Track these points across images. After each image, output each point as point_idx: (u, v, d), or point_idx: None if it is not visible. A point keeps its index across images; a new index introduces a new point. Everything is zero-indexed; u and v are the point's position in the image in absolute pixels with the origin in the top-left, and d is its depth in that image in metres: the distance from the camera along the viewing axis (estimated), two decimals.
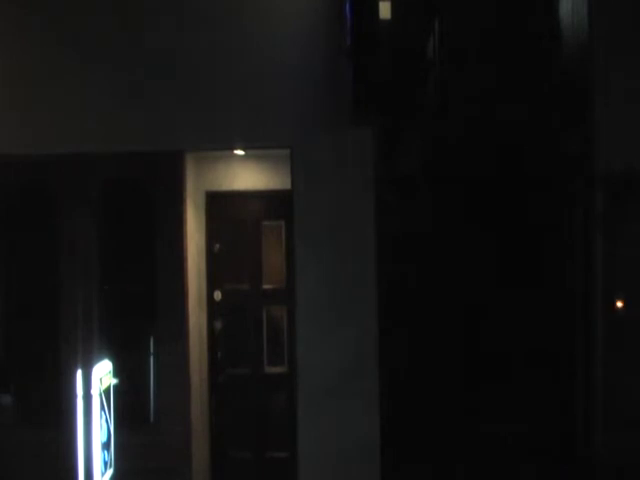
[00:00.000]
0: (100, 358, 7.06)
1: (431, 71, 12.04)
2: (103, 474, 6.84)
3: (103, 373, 6.90)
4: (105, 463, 6.89)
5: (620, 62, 7.83)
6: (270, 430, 8.76)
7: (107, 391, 6.96)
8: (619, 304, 7.88)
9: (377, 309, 7.53)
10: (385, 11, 9.76)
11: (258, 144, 7.93)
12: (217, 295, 8.90)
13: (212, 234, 8.94)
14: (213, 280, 8.91)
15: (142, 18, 7.77)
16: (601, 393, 7.81)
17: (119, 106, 7.77)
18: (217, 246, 8.93)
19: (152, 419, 8.38)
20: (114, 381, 7.10)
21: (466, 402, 9.58)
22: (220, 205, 8.98)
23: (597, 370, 7.83)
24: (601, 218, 7.85)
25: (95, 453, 6.71)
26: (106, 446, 6.92)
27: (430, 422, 9.33)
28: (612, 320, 7.83)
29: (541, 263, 9.83)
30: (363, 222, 7.53)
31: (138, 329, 8.43)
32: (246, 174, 8.93)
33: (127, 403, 7.47)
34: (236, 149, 8.48)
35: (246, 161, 8.87)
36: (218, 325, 8.88)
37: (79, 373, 6.73)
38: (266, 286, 8.93)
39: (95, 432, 6.72)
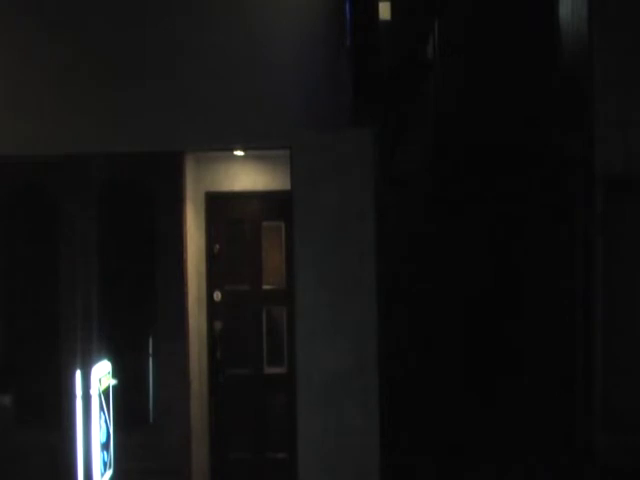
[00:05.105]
0: (99, 358, 7.06)
1: (431, 71, 12.03)
2: (102, 474, 6.84)
3: (102, 373, 6.90)
4: (104, 463, 6.89)
5: (620, 62, 7.84)
6: (270, 430, 8.75)
7: (106, 391, 6.96)
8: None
9: (377, 309, 7.52)
10: (385, 11, 9.77)
11: (258, 144, 7.92)
12: (217, 295, 8.90)
13: (212, 235, 8.95)
14: (213, 280, 8.90)
15: (142, 18, 7.77)
16: (601, 393, 7.80)
17: (119, 106, 7.76)
18: (217, 247, 8.93)
19: (151, 419, 8.38)
20: (113, 381, 7.10)
21: (466, 402, 9.58)
22: (220, 206, 8.98)
23: (597, 370, 7.83)
24: (601, 218, 7.85)
25: (94, 453, 6.71)
26: (105, 446, 6.92)
27: (430, 422, 9.33)
28: (612, 320, 7.82)
29: (541, 263, 9.83)
30: (363, 222, 7.52)
31: (138, 329, 8.43)
32: (246, 175, 8.93)
33: (126, 403, 7.46)
34: (236, 149, 8.48)
35: (246, 162, 8.88)
36: (218, 325, 8.88)
37: (78, 373, 6.73)
38: (266, 287, 8.92)
39: (94, 432, 6.72)
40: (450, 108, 11.41)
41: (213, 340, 8.87)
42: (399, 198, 10.40)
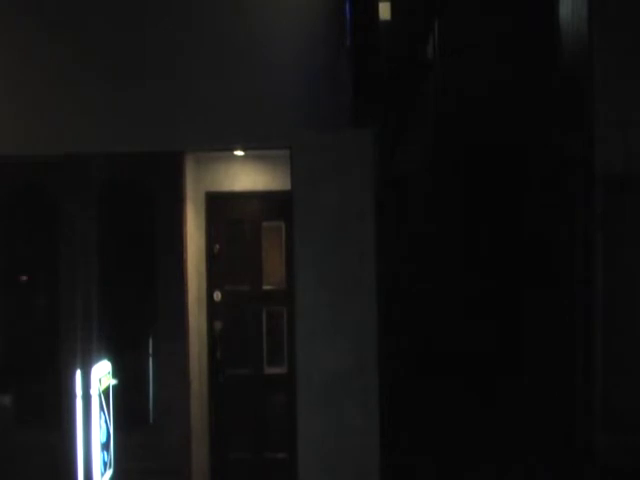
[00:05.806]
0: (99, 358, 7.06)
1: (431, 71, 12.05)
2: (102, 474, 6.84)
3: (102, 373, 6.91)
4: (104, 463, 6.89)
5: (620, 62, 7.84)
6: (270, 430, 8.75)
7: (106, 391, 6.96)
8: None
9: (377, 309, 7.53)
10: (385, 11, 9.77)
11: (258, 144, 7.92)
12: (217, 295, 8.89)
13: (212, 235, 8.94)
14: (213, 280, 8.90)
15: (142, 17, 7.77)
16: (601, 393, 7.80)
17: (119, 106, 7.77)
18: (217, 247, 8.92)
19: (151, 419, 8.37)
20: (113, 381, 7.10)
21: (466, 402, 9.59)
22: (220, 206, 8.97)
23: (597, 370, 7.83)
24: (601, 218, 7.85)
25: (94, 453, 6.71)
26: (105, 446, 6.92)
27: (430, 422, 9.33)
28: (612, 320, 7.82)
29: (541, 263, 9.84)
30: (363, 222, 7.52)
31: (138, 329, 8.43)
32: (246, 175, 8.93)
33: (126, 403, 7.46)
34: (236, 149, 8.48)
35: (246, 162, 8.87)
36: (218, 325, 8.87)
37: (78, 373, 6.73)
38: (266, 287, 8.92)
39: (94, 432, 6.72)
40: (450, 108, 11.42)
41: (213, 340, 8.86)
42: (399, 198, 10.41)
